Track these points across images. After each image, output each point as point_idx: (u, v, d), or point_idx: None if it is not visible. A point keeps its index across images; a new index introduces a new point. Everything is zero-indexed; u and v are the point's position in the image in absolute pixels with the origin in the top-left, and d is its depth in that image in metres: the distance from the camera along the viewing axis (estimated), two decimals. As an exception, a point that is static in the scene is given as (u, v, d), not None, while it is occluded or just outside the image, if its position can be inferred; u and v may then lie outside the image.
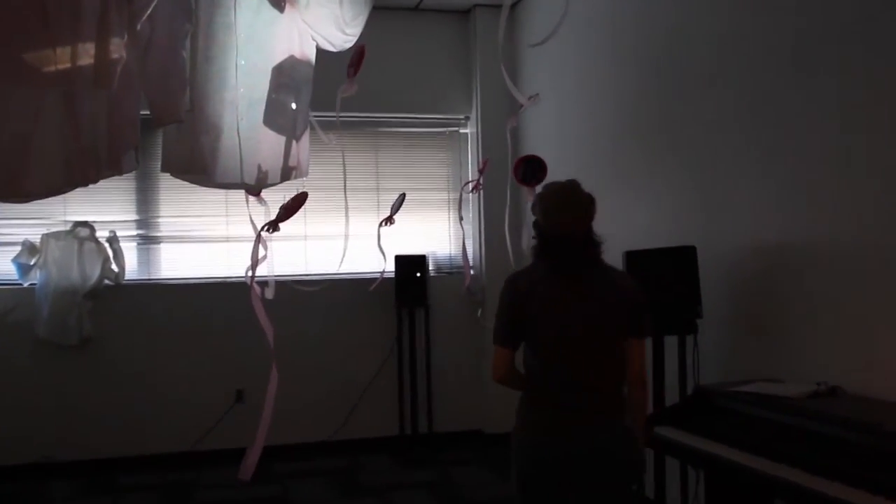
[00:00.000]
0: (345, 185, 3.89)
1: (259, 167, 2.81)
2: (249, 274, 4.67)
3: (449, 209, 6.77)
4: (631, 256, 3.92)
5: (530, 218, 2.92)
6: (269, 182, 2.85)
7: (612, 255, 3.72)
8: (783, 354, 3.61)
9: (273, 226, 2.86)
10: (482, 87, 6.55)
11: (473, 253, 6.72)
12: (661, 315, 3.87)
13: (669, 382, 3.90)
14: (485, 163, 4.85)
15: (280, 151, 2.86)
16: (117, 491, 5.49)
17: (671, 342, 3.92)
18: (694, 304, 3.84)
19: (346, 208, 3.91)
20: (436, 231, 6.75)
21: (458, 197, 6.68)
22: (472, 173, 6.70)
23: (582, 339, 2.70)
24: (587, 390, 2.71)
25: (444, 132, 6.79)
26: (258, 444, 2.70)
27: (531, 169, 4.38)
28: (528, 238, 4.30)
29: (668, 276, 3.88)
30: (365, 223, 6.07)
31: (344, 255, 3.95)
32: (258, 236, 2.83)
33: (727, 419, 3.21)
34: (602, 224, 2.83)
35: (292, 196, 3.14)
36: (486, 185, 5.72)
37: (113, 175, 2.42)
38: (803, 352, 3.50)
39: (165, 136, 2.72)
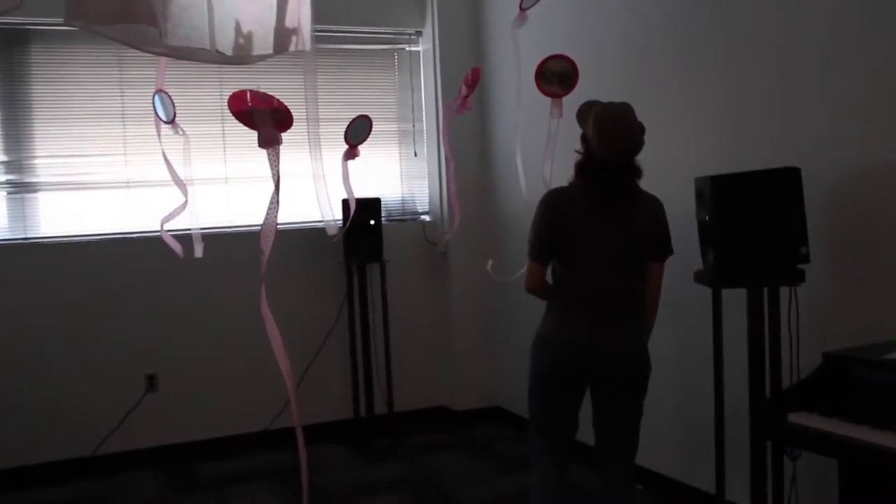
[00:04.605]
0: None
1: (238, 26, 1.63)
2: (165, 229, 3.50)
3: (399, 143, 5.64)
4: (717, 182, 2.94)
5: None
6: (256, 52, 1.69)
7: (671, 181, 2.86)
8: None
9: (270, 140, 1.73)
10: (440, -9, 5.40)
11: (431, 194, 5.66)
12: (753, 260, 2.93)
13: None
14: (475, 72, 3.74)
15: (271, 4, 1.69)
16: (-4, 516, 4.20)
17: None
18: (797, 245, 2.90)
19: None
20: (384, 170, 5.59)
21: (408, 129, 5.61)
22: (425, 98, 5.59)
23: (611, 260, 2.86)
24: (611, 304, 2.87)
25: (392, 50, 5.60)
26: None
27: (558, 74, 3.33)
28: (549, 168, 3.45)
29: (762, 208, 2.93)
30: (300, 161, 4.90)
31: (325, 199, 2.79)
32: (276, 172, 1.72)
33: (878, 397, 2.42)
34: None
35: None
36: (450, 111, 4.59)
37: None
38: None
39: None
